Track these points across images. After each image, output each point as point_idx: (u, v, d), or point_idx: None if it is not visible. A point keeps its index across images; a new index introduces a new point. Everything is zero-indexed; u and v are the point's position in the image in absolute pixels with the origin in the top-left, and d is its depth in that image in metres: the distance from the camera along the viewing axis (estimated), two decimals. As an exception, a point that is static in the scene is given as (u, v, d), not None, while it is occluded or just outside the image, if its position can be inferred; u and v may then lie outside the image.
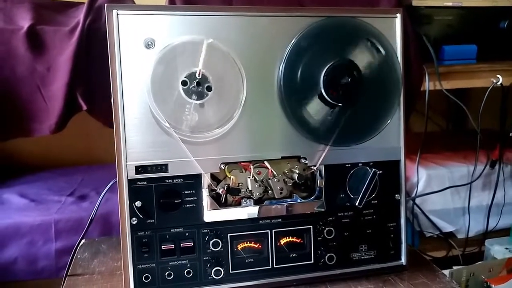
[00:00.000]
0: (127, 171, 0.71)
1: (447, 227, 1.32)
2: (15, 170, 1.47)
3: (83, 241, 0.98)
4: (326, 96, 0.74)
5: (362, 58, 0.76)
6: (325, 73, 0.74)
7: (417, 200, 1.28)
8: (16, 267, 1.06)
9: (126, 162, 0.71)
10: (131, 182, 0.71)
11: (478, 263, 1.20)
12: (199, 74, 0.70)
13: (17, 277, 1.06)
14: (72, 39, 0.93)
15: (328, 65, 0.74)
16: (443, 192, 1.28)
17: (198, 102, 0.71)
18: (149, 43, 0.71)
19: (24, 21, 0.96)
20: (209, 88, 0.71)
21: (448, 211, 1.31)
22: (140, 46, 0.71)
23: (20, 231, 1.07)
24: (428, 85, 1.15)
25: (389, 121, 0.80)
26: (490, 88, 1.18)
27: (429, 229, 1.32)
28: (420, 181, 1.28)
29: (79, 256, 0.92)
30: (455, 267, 1.19)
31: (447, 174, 1.32)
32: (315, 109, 0.75)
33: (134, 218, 0.72)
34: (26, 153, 1.55)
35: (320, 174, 0.78)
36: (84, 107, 0.94)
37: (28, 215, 1.11)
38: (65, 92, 0.92)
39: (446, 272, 1.10)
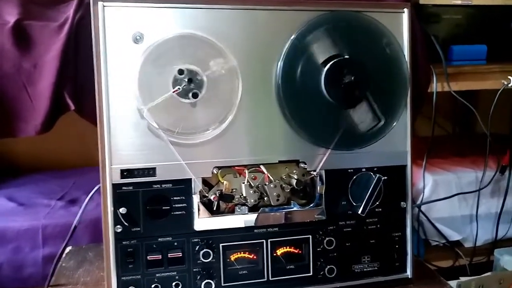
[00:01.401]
0: (111, 175, 0.67)
1: (453, 236, 1.27)
2: (6, 172, 1.43)
3: (69, 248, 0.94)
4: (327, 96, 0.70)
5: (366, 55, 0.72)
6: (326, 71, 0.70)
7: (423, 207, 1.23)
8: (1, 273, 1.02)
9: (111, 165, 0.67)
10: (115, 187, 0.67)
11: (487, 274, 1.15)
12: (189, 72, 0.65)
13: (2, 285, 1.02)
14: (61, 35, 0.89)
15: (330, 63, 0.70)
16: (450, 198, 1.23)
17: (189, 101, 0.67)
18: (138, 37, 0.67)
19: (11, 16, 0.91)
20: (201, 87, 0.67)
21: (455, 218, 1.27)
22: (127, 41, 0.67)
23: (6, 237, 1.03)
24: (435, 86, 1.10)
25: (395, 123, 0.75)
26: (500, 90, 1.13)
27: (435, 238, 1.27)
28: (425, 187, 1.23)
29: (64, 265, 0.87)
30: (462, 278, 1.15)
31: (454, 180, 1.27)
32: (315, 110, 0.71)
33: (118, 226, 0.67)
34: (18, 155, 1.51)
35: (321, 180, 0.74)
36: (72, 107, 0.90)
37: (15, 219, 1.07)
38: (52, 91, 0.88)
39: (453, 283, 1.04)
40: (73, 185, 1.32)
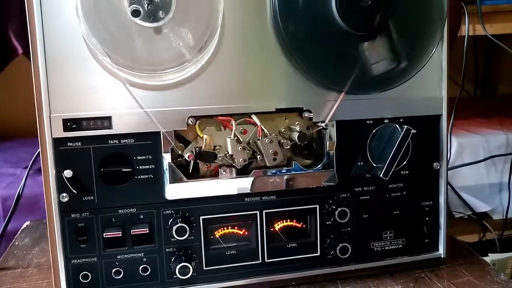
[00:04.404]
0: (51, 126, 0.52)
1: (481, 206, 1.18)
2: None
3: (27, 223, 0.80)
4: (340, 22, 0.56)
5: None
6: (339, -12, 0.56)
7: (447, 174, 1.10)
8: (-44, 253, 0.90)
9: (50, 113, 0.53)
10: (58, 142, 0.53)
11: (524, 250, 1.02)
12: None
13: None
14: (2, -41, 0.71)
15: (344, -24, 0.56)
16: (477, 164, 1.13)
17: (152, 25, 0.51)
18: None
19: None
20: (167, 5, 0.51)
21: (482, 187, 1.17)
22: None
23: (-40, 210, 0.92)
24: (467, 28, 0.93)
25: (428, 59, 0.61)
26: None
27: (459, 209, 1.18)
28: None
29: (16, 243, 0.74)
30: (491, 255, 1.03)
31: (481, 143, 1.17)
32: (324, 41, 0.58)
33: (64, 194, 0.54)
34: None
35: (331, 134, 0.61)
36: (20, 50, 0.75)
37: (-28, 190, 0.94)
38: (-6, 30, 0.71)
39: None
40: (46, 152, 1.19)
